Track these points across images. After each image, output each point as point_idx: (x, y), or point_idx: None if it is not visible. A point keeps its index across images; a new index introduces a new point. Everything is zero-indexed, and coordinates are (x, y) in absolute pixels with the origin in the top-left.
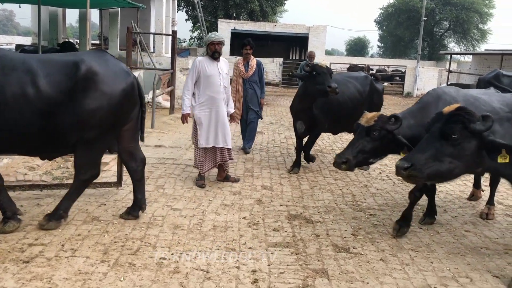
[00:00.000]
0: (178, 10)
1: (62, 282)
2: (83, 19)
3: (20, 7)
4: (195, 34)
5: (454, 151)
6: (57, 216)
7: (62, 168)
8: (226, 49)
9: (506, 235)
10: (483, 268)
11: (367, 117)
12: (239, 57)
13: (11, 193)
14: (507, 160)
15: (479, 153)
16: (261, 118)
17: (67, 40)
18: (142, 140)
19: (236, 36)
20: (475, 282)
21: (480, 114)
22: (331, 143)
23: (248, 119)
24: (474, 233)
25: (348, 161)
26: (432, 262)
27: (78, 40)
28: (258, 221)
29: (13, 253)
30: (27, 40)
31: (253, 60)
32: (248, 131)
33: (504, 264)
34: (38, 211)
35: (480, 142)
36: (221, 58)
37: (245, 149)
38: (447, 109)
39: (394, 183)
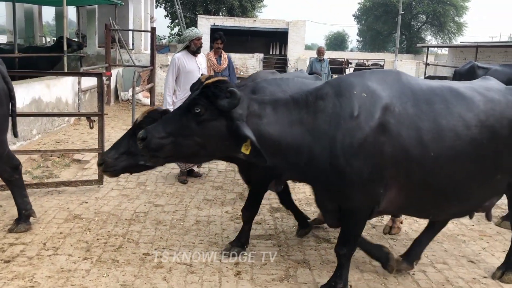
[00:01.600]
0: (156, 6)
1: (44, 280)
2: (60, 16)
3: None
4: (175, 30)
5: (197, 129)
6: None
7: (42, 167)
8: (205, 45)
9: (481, 222)
10: (460, 254)
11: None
12: (209, 51)
13: None
14: (248, 152)
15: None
16: None
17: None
18: (16, 136)
19: (216, 32)
20: (452, 267)
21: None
22: None
23: None
24: (451, 221)
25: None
26: None
27: (54, 38)
28: (240, 215)
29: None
30: (2, 39)
31: (224, 54)
32: None
33: (479, 250)
34: None
35: (229, 124)
36: (199, 54)
37: None
38: (205, 79)
39: None
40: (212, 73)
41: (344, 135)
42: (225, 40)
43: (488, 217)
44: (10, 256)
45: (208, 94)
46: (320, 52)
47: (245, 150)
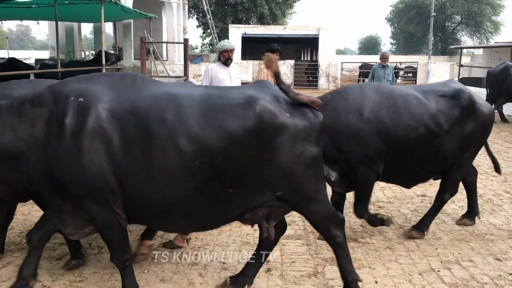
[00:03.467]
0: (188, 17)
1: (91, 275)
2: (98, 31)
3: (38, 23)
4: (207, 40)
5: None
6: None
7: None
8: (237, 53)
9: (510, 222)
10: (486, 252)
11: None
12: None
13: None
14: None
15: None
16: None
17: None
18: None
19: (247, 41)
20: (478, 265)
21: None
22: None
23: None
24: (480, 221)
25: None
26: (436, 248)
27: (93, 52)
28: None
29: (46, 251)
30: (44, 54)
31: None
32: None
33: (507, 248)
34: None
35: None
36: (231, 64)
37: None
38: None
39: None
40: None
41: (57, 144)
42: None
43: None
44: (61, 255)
45: None
46: (384, 57)
47: None
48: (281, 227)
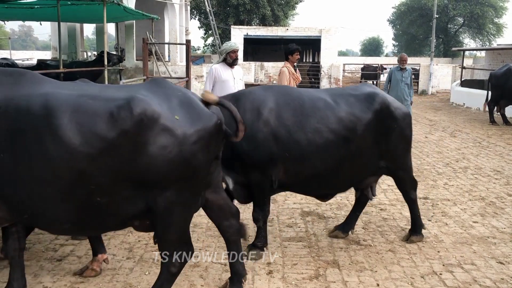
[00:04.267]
0: (190, 18)
1: (92, 277)
2: (100, 32)
3: (41, 24)
4: (209, 41)
5: None
6: None
7: None
8: (239, 54)
9: None
10: (489, 255)
11: None
12: (286, 64)
13: None
14: None
15: None
16: None
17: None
18: None
19: (249, 42)
20: (480, 268)
21: None
22: None
23: None
24: (482, 224)
25: None
26: (439, 251)
27: (95, 53)
28: (272, 218)
29: (47, 252)
30: (46, 55)
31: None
32: None
33: (509, 252)
34: None
35: None
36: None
37: None
38: None
39: None
40: (292, 84)
41: None
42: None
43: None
44: (62, 256)
45: None
46: (402, 60)
47: None
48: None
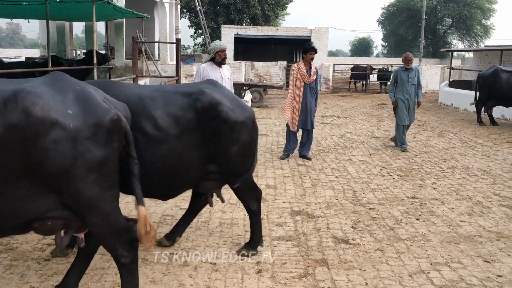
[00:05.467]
0: (181, 17)
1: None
2: (89, 30)
3: (29, 22)
4: (199, 40)
5: None
6: None
7: None
8: (229, 54)
9: (499, 224)
10: (475, 254)
11: None
12: (299, 62)
13: None
14: None
15: None
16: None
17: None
18: None
19: (239, 41)
20: (467, 266)
21: None
22: (333, 143)
23: (309, 126)
24: (469, 223)
25: None
26: (426, 250)
27: (84, 51)
28: (262, 217)
29: (35, 252)
30: (35, 53)
31: (314, 66)
32: (310, 138)
33: (495, 250)
34: None
35: None
36: (224, 65)
37: (307, 157)
38: None
39: (394, 178)
40: (301, 84)
41: None
42: (316, 50)
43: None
44: (49, 256)
45: None
46: (407, 59)
47: None
48: None
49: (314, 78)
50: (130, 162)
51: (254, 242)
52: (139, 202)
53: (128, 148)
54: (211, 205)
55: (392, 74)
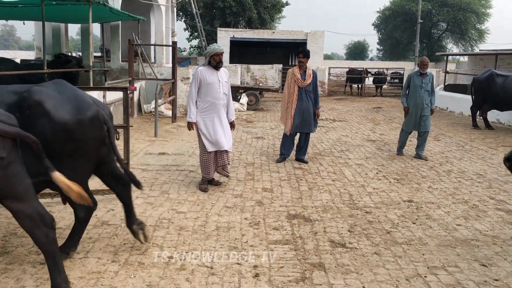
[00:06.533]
0: (177, 20)
1: (77, 280)
2: (85, 33)
3: (24, 23)
4: (195, 43)
5: None
6: None
7: None
8: (225, 57)
9: (495, 228)
10: (472, 258)
11: None
12: (295, 67)
13: None
14: None
15: None
16: (314, 131)
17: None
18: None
19: (235, 44)
20: (463, 270)
21: None
22: (330, 146)
23: (306, 129)
24: (465, 227)
25: None
26: (423, 254)
27: (80, 53)
28: (259, 221)
29: (30, 256)
30: (30, 55)
31: (310, 70)
32: (307, 142)
33: (492, 254)
34: None
35: None
36: (221, 68)
37: (304, 160)
38: None
39: (390, 182)
40: (295, 88)
41: None
42: (308, 54)
43: None
44: (45, 259)
45: None
46: (423, 64)
47: None
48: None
49: (309, 81)
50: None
51: (65, 247)
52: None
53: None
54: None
55: (405, 79)
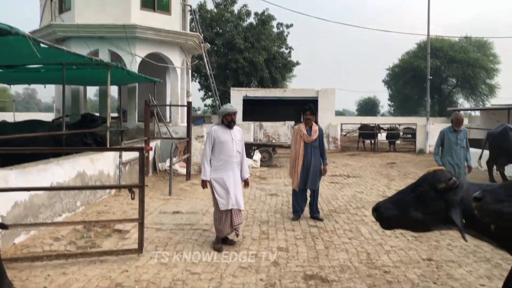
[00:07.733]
0: (191, 80)
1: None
2: (103, 94)
3: (45, 87)
4: (209, 102)
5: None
6: None
7: (85, 237)
8: (238, 115)
9: None
10: None
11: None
12: (300, 123)
13: (38, 263)
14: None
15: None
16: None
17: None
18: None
19: (248, 103)
20: None
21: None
22: (345, 203)
23: (312, 186)
24: (489, 287)
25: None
26: None
27: (98, 113)
28: (274, 282)
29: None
30: (48, 116)
31: (315, 126)
32: (314, 198)
33: None
34: (64, 279)
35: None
36: (235, 126)
37: (319, 218)
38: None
39: (408, 239)
40: (301, 144)
41: None
42: (314, 111)
43: None
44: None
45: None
46: (458, 121)
47: None
48: None
49: (315, 137)
50: None
51: None
52: None
53: None
54: None
55: (438, 135)
